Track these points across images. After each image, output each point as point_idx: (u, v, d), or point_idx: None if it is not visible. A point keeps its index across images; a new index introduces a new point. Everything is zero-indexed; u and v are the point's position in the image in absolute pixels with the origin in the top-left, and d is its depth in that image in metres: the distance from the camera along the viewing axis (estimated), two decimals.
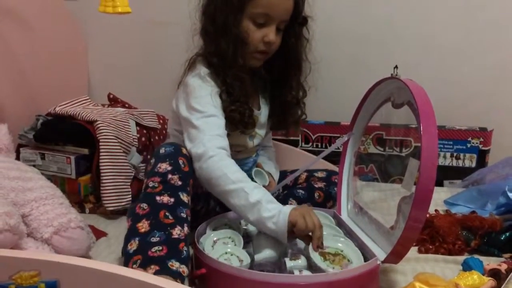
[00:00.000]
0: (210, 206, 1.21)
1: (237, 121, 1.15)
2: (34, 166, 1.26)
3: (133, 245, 0.90)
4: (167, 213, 0.94)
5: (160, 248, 0.88)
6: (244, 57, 1.15)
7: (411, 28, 1.60)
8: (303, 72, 1.27)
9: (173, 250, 0.89)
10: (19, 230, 0.91)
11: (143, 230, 0.92)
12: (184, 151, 1.05)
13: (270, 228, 0.95)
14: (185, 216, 0.96)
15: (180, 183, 0.99)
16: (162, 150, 1.04)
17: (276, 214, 0.94)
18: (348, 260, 0.95)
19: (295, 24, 1.20)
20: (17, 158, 1.30)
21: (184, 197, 0.98)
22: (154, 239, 0.90)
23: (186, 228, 0.94)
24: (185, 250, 0.90)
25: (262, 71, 1.28)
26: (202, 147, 1.03)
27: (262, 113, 1.29)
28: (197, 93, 1.11)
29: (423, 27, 1.60)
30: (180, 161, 1.02)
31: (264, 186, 1.18)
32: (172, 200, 0.96)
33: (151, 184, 0.98)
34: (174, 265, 0.86)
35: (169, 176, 0.99)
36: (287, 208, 0.95)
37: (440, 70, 1.61)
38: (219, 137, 1.06)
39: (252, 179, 1.17)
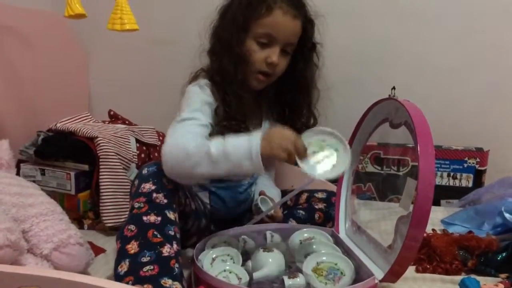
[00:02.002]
0: (201, 224, 1.19)
1: None
2: (34, 181, 1.25)
3: (124, 267, 0.90)
4: (155, 232, 0.93)
5: (152, 267, 0.88)
6: (245, 75, 1.15)
7: (408, 49, 1.63)
8: (312, 99, 1.26)
9: (165, 268, 0.89)
10: (19, 246, 0.90)
11: (132, 251, 0.92)
12: None
13: (247, 168, 0.95)
14: (173, 233, 0.96)
15: (165, 201, 0.98)
16: (144, 171, 1.03)
17: (247, 152, 0.94)
18: (342, 273, 0.96)
19: (304, 49, 1.21)
20: (17, 173, 1.30)
21: (171, 215, 0.98)
22: (144, 259, 0.89)
23: (175, 245, 0.94)
24: (176, 267, 0.90)
25: (270, 92, 1.28)
26: (172, 138, 1.02)
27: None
28: (191, 99, 1.12)
29: (420, 49, 1.63)
30: (164, 180, 1.01)
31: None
32: (159, 219, 0.96)
33: (136, 205, 0.98)
34: (167, 282, 0.86)
35: (154, 195, 0.98)
36: (257, 144, 0.94)
37: (437, 90, 1.63)
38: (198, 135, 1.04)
39: (258, 207, 1.18)
